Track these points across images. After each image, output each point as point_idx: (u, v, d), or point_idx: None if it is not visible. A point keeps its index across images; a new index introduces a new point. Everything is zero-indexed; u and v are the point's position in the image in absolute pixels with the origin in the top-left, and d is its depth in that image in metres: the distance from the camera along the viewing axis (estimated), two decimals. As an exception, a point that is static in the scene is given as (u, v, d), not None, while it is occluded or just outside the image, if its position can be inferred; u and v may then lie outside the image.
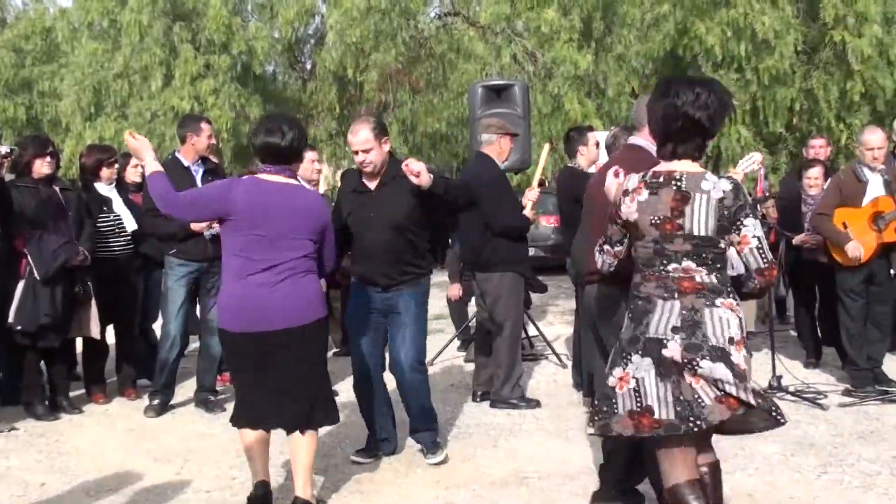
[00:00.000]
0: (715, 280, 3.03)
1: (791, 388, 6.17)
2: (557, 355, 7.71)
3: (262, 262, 3.83)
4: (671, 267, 3.03)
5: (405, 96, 14.46)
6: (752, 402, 2.95)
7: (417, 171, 4.34)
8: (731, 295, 3.05)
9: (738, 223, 3.00)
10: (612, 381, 3.12)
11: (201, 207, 4.06)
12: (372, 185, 4.69)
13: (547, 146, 7.04)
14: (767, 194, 6.70)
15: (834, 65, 10.87)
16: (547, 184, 12.16)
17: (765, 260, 3.03)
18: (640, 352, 3.04)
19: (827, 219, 6.26)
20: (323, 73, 14.84)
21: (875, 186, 6.20)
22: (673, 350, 2.97)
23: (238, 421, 4.10)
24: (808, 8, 11.32)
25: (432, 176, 4.43)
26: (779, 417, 3.04)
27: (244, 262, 3.86)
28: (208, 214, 4.20)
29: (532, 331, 8.05)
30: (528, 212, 6.11)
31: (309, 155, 6.75)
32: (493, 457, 5.01)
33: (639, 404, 3.02)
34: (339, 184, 6.22)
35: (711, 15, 10.48)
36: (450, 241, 8.45)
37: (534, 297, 8.21)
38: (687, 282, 3.01)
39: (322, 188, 9.44)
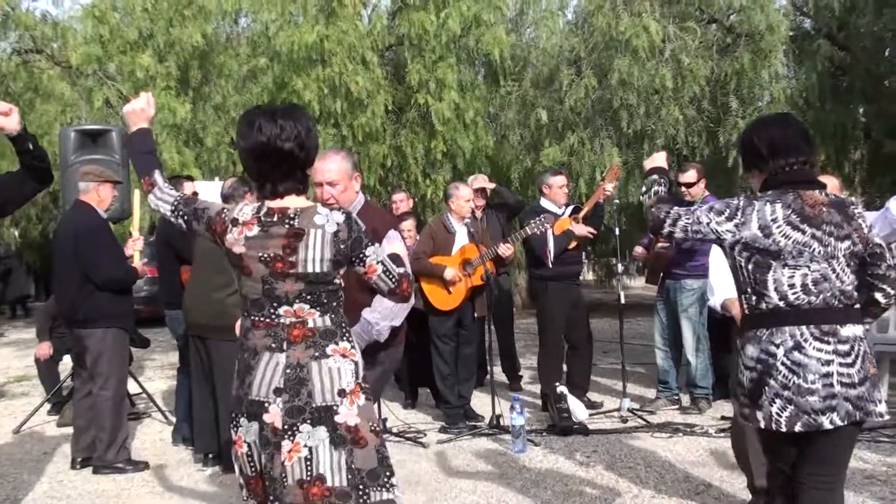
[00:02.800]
0: (329, 322, 2.83)
1: (394, 429, 6.52)
2: (162, 412, 7.39)
3: None
4: (282, 310, 2.81)
5: (-28, 136, 13.06)
6: (335, 484, 2.74)
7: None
8: (345, 338, 2.85)
9: (360, 255, 2.86)
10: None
11: None
12: None
13: (137, 192, 6.73)
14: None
15: (419, 125, 11.84)
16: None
17: (393, 279, 2.93)
18: (245, 414, 2.83)
19: (423, 260, 6.75)
20: None
21: (461, 236, 6.86)
22: (274, 415, 2.77)
23: None
24: (396, 72, 12.24)
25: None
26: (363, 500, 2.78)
27: None
28: None
29: (134, 388, 7.64)
30: (136, 263, 5.84)
31: None
32: (100, 528, 4.64)
33: (253, 468, 2.86)
34: None
35: (308, 71, 10.88)
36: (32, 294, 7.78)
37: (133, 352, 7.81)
38: (297, 329, 2.80)
39: None
